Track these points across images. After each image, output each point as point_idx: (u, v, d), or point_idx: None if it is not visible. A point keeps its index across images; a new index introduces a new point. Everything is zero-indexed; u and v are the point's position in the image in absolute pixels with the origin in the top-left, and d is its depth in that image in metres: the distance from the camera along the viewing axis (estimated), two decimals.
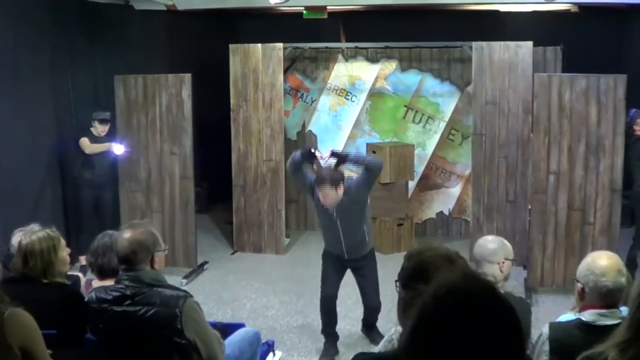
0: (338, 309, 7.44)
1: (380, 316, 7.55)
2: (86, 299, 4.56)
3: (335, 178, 6.82)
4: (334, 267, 7.33)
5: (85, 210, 9.91)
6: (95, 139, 9.74)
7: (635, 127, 9.03)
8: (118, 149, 9.66)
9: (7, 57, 8.92)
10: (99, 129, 9.79)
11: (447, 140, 11.91)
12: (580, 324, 3.80)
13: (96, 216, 9.93)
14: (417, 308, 1.95)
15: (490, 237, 4.89)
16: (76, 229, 9.94)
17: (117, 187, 10.23)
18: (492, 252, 4.64)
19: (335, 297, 7.35)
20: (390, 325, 5.85)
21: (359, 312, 7.87)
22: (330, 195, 6.79)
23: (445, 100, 11.87)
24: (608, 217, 8.85)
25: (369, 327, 7.67)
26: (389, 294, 7.25)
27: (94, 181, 9.81)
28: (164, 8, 11.10)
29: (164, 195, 10.11)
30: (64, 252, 4.96)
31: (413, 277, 3.01)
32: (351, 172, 7.69)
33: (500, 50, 10.08)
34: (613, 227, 8.86)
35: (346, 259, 7.21)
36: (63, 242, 4.96)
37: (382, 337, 5.11)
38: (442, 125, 11.87)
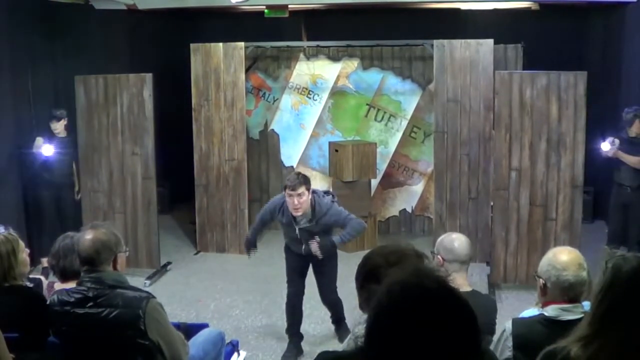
0: (303, 308, 7.44)
1: (345, 314, 7.53)
2: (48, 302, 4.52)
3: (300, 181, 6.83)
4: (296, 263, 7.37)
5: (46, 211, 9.81)
6: (52, 138, 9.65)
7: (630, 128, 9.13)
8: (47, 149, 9.46)
9: None
10: (52, 127, 9.69)
11: (410, 138, 11.94)
12: (543, 319, 3.82)
13: (58, 217, 9.84)
14: (372, 306, 1.97)
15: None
16: (37, 231, 9.83)
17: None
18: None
19: (302, 293, 7.39)
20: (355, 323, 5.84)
21: (323, 311, 7.87)
22: (294, 203, 6.80)
23: (407, 98, 11.91)
24: (570, 213, 8.93)
25: (337, 322, 7.64)
26: (353, 292, 7.25)
27: (53, 182, 9.72)
28: (125, 7, 11.04)
29: (126, 196, 10.04)
30: (24, 254, 4.90)
31: (369, 275, 3.05)
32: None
33: (461, 48, 10.14)
34: (575, 223, 8.95)
35: (304, 255, 7.23)
36: (22, 244, 4.90)
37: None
38: (404, 123, 11.90)
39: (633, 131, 9.06)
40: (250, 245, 7.55)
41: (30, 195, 9.93)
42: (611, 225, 9.66)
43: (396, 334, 1.88)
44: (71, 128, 9.94)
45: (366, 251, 3.47)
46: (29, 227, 9.82)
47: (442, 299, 1.93)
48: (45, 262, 9.14)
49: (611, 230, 9.61)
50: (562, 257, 3.89)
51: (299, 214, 6.88)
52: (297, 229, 7.03)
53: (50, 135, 9.65)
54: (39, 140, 9.50)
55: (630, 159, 9.00)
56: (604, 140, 9.03)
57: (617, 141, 9.05)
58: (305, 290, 7.45)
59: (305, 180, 6.85)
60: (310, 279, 7.45)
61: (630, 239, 9.07)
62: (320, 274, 7.40)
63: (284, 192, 6.96)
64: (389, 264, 2.96)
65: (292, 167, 12.26)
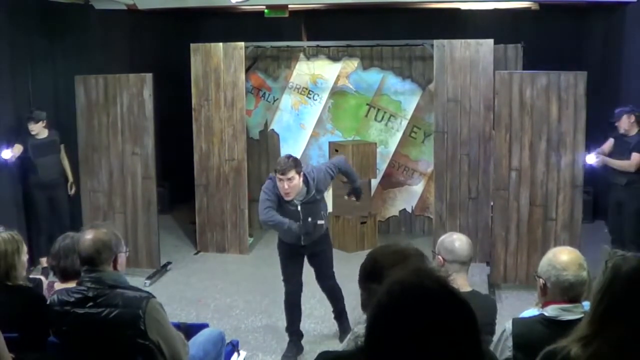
0: (302, 307, 7.43)
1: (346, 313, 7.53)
2: (48, 302, 4.52)
3: (291, 165, 6.71)
4: (292, 259, 7.28)
5: (41, 212, 9.79)
6: (33, 139, 9.61)
7: (618, 124, 9.18)
8: (5, 154, 9.35)
9: None
10: (29, 128, 9.52)
11: (410, 138, 11.93)
12: (543, 319, 3.82)
13: (53, 217, 9.83)
14: (372, 306, 1.97)
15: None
16: (35, 231, 9.83)
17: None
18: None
19: (300, 290, 7.33)
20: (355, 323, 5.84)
21: (323, 310, 7.88)
22: (284, 187, 6.72)
23: (407, 98, 11.90)
24: (570, 212, 8.93)
25: (339, 317, 7.59)
26: (353, 292, 7.24)
27: (43, 182, 9.69)
28: (125, 7, 11.04)
29: (126, 196, 10.04)
30: (25, 257, 4.92)
31: (371, 274, 3.06)
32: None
33: (461, 48, 10.13)
34: (575, 223, 8.94)
35: (302, 245, 7.13)
36: (25, 246, 4.93)
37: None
38: (404, 123, 11.89)
39: (622, 127, 9.13)
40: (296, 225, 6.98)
41: (30, 196, 9.92)
42: (609, 225, 9.71)
43: (396, 334, 1.88)
44: (54, 127, 9.89)
45: (366, 251, 3.48)
46: (29, 227, 9.82)
47: (443, 300, 1.93)
48: (44, 262, 9.15)
49: (610, 230, 9.65)
50: (562, 257, 3.89)
51: (290, 198, 6.81)
52: (298, 206, 6.92)
53: (31, 137, 9.58)
54: (18, 147, 9.44)
55: (618, 164, 9.06)
56: (589, 153, 9.09)
57: (607, 146, 9.16)
58: (305, 290, 7.44)
59: (296, 163, 6.73)
60: (308, 279, 7.45)
61: (625, 237, 9.09)
62: (316, 261, 7.35)
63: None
64: (391, 264, 2.96)
65: None
